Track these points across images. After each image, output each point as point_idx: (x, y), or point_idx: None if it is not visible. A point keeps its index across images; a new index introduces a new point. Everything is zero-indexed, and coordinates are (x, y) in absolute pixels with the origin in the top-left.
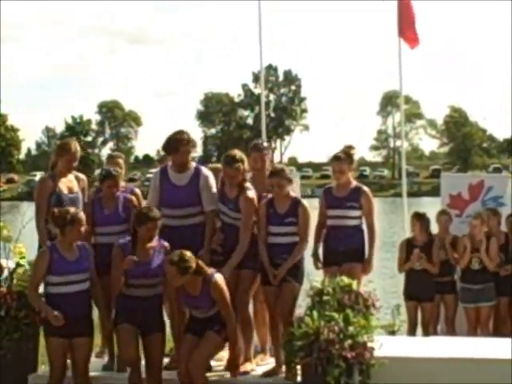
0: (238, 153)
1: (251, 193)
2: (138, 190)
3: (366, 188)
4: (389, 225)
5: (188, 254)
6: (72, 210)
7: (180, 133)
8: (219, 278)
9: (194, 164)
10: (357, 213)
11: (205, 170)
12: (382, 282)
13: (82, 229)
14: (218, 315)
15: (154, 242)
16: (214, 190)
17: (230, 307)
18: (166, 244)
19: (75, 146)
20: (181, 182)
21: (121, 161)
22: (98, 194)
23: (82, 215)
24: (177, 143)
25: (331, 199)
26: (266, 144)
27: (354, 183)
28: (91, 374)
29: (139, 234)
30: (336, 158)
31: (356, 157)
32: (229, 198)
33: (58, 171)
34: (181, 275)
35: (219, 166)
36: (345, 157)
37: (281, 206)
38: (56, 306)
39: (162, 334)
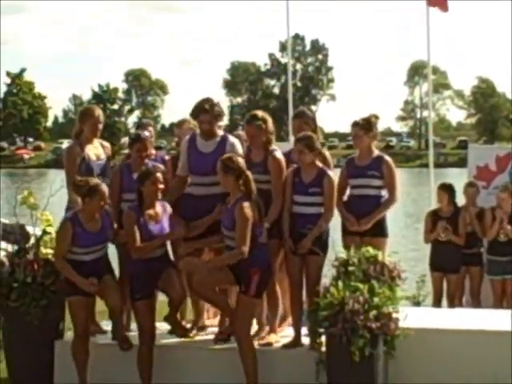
0: (260, 112)
1: (279, 153)
2: (167, 158)
3: (387, 157)
4: (415, 196)
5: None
6: (94, 180)
7: (204, 101)
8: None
9: (221, 132)
10: (378, 182)
11: (231, 138)
12: (409, 253)
13: (102, 202)
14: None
15: (158, 206)
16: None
17: (243, 235)
18: (169, 209)
19: (98, 111)
20: (207, 150)
21: (150, 128)
22: (127, 160)
23: (104, 188)
24: (197, 111)
25: (353, 168)
26: (306, 111)
27: (376, 152)
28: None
29: (145, 193)
30: (353, 124)
31: (378, 126)
32: (255, 162)
33: (83, 138)
34: (224, 173)
35: (241, 133)
36: (363, 123)
37: (306, 175)
38: (75, 270)
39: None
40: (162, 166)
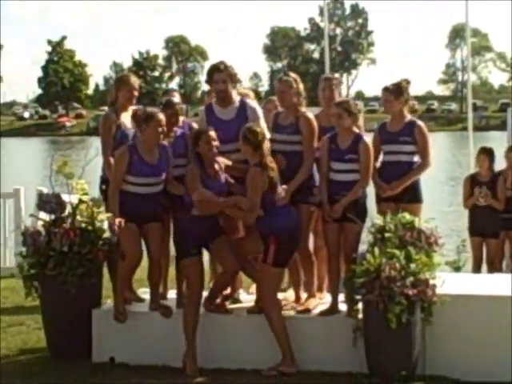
0: (292, 73)
1: (310, 114)
2: (195, 125)
3: (420, 122)
4: (456, 159)
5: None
6: (150, 109)
7: (217, 63)
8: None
9: (238, 97)
10: (411, 148)
11: (251, 102)
12: (448, 216)
13: (160, 129)
14: None
15: (216, 164)
16: (263, 120)
17: (251, 201)
18: (166, 143)
19: (133, 77)
20: (227, 117)
21: (177, 94)
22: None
23: (161, 115)
24: (211, 70)
25: (385, 134)
26: (335, 75)
27: (408, 117)
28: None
29: (202, 153)
30: (383, 89)
31: (410, 90)
32: (284, 125)
33: (119, 105)
34: (244, 142)
35: (274, 97)
36: (393, 88)
37: (342, 142)
38: (130, 204)
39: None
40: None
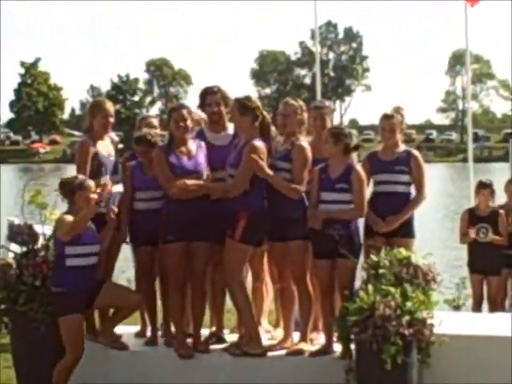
0: (299, 100)
1: (306, 143)
2: None
3: (416, 152)
4: (456, 192)
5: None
6: (80, 176)
7: (210, 85)
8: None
9: (231, 124)
10: (407, 178)
11: None
12: (448, 253)
13: (91, 195)
14: None
15: (192, 143)
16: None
17: (243, 175)
18: (203, 143)
19: (108, 103)
20: (220, 142)
21: (155, 121)
22: (134, 158)
23: (91, 182)
24: (204, 93)
25: (377, 163)
26: (326, 103)
27: (403, 146)
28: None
29: (172, 130)
30: (386, 117)
31: (405, 119)
32: (279, 150)
33: (94, 133)
34: (240, 114)
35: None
36: (396, 115)
37: (333, 171)
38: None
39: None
40: None
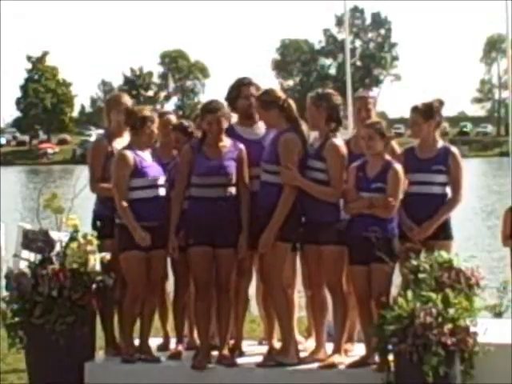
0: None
1: (339, 140)
2: None
3: (454, 148)
4: (494, 189)
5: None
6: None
7: (242, 77)
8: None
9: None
10: (444, 178)
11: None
12: (488, 255)
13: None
14: None
15: (227, 142)
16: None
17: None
18: (242, 146)
19: (126, 97)
20: (253, 137)
21: (172, 117)
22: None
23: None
24: (238, 85)
25: (413, 161)
26: (371, 92)
27: (441, 143)
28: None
29: (206, 129)
30: (412, 109)
31: (442, 112)
32: (311, 148)
33: (111, 130)
34: (265, 110)
35: None
36: (423, 108)
37: (371, 169)
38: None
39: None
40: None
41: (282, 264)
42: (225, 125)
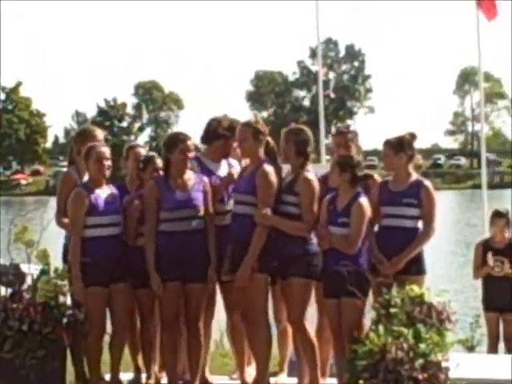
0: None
1: (311, 174)
2: None
3: (427, 182)
4: (466, 222)
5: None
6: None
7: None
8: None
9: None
10: (415, 211)
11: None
12: (460, 288)
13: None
14: None
15: (191, 175)
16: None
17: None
18: (206, 179)
19: (99, 131)
20: (221, 172)
21: (142, 150)
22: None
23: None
24: (232, 127)
25: (386, 194)
26: (351, 127)
27: (414, 176)
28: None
29: (173, 160)
30: (384, 143)
31: (414, 145)
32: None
33: (81, 163)
34: (254, 139)
35: None
36: (393, 142)
37: (340, 202)
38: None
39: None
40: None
41: (264, 296)
42: (192, 155)
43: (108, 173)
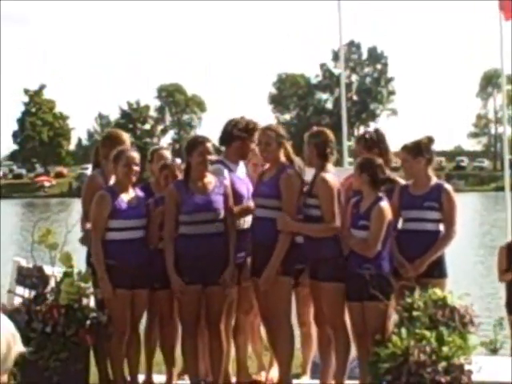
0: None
1: (329, 175)
2: None
3: (447, 185)
4: (490, 225)
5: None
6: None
7: (248, 122)
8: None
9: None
10: (437, 215)
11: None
12: (483, 291)
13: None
14: None
15: (212, 178)
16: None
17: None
18: (226, 182)
19: (126, 135)
20: (241, 174)
21: (166, 152)
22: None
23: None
24: (253, 129)
25: (407, 198)
26: (376, 131)
27: (434, 180)
28: None
29: (192, 163)
30: (401, 148)
31: (432, 148)
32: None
33: (108, 168)
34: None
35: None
36: (411, 146)
37: (363, 206)
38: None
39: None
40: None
41: (287, 299)
42: (211, 158)
43: (135, 178)
